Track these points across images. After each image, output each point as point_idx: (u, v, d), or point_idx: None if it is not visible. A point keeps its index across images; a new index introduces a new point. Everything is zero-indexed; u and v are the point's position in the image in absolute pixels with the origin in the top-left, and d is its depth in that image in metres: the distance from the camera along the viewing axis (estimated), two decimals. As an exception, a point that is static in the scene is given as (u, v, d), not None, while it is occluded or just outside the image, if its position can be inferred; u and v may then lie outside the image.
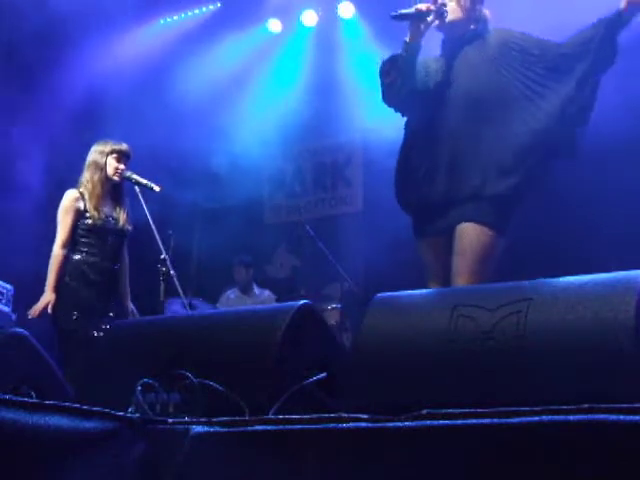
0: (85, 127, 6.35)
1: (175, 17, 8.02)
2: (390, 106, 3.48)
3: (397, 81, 3.32)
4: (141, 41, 7.49)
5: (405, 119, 3.53)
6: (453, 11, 3.33)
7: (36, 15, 6.23)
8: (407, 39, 3.31)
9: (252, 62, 7.78)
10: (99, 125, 6.24)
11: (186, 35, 7.83)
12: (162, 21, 7.96)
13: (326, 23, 7.81)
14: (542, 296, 1.98)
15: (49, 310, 4.26)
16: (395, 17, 3.26)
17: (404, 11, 3.27)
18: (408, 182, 3.40)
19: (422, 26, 3.27)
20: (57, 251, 4.38)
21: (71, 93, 6.84)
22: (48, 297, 4.29)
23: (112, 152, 4.53)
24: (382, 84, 3.40)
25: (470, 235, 3.15)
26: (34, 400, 1.62)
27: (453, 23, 3.34)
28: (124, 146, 4.60)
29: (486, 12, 3.42)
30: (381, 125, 6.89)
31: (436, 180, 3.27)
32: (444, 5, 3.32)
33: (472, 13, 3.36)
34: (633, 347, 1.74)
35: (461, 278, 3.08)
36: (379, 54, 7.28)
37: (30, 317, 4.28)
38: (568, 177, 5.49)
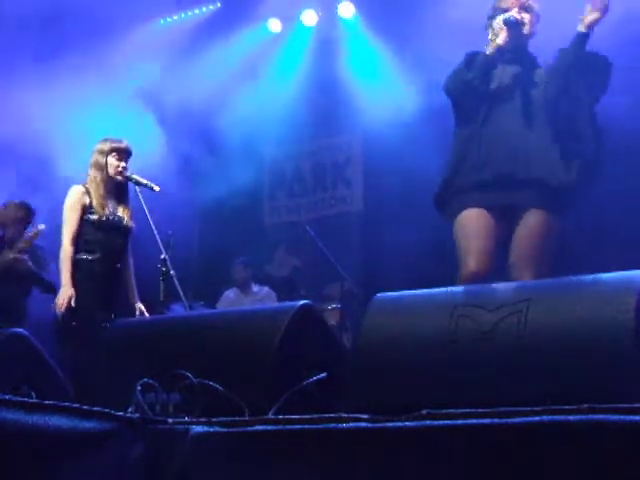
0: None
1: (175, 17, 8.01)
2: (456, 98, 3.59)
3: (476, 79, 3.47)
4: (141, 41, 7.48)
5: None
6: (529, 23, 3.51)
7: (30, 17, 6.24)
8: (500, 42, 3.46)
9: (252, 62, 7.77)
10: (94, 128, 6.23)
11: (186, 35, 7.82)
12: (162, 21, 7.96)
13: (326, 23, 7.80)
14: (542, 296, 1.98)
15: (72, 304, 4.24)
16: (513, 23, 3.44)
17: (514, 18, 3.46)
18: (464, 166, 3.49)
19: (516, 33, 3.46)
20: (67, 247, 4.35)
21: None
22: (68, 292, 4.26)
23: (112, 151, 4.53)
24: (460, 78, 3.52)
25: (539, 221, 3.32)
26: (34, 400, 1.62)
27: (527, 35, 3.54)
28: (123, 144, 4.59)
29: None
30: (381, 125, 6.91)
31: (500, 165, 3.39)
32: (523, 17, 3.51)
33: (535, 28, 3.55)
34: (633, 347, 1.75)
35: (527, 260, 3.24)
36: (379, 54, 7.36)
37: (57, 311, 4.24)
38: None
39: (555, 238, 3.37)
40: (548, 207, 3.33)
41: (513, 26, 3.44)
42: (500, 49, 3.47)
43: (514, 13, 3.45)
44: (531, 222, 3.33)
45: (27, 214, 5.66)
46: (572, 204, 3.44)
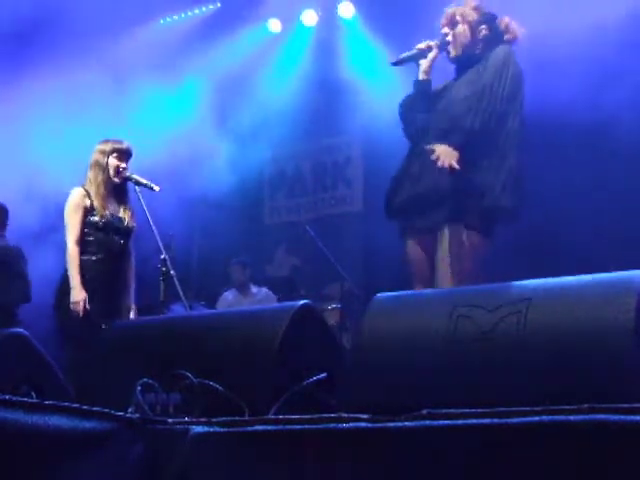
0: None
1: (175, 17, 8.01)
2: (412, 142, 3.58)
3: (416, 119, 3.47)
4: (141, 41, 7.48)
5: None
6: (459, 37, 3.38)
7: (32, 14, 6.25)
8: (418, 78, 3.44)
9: (252, 62, 7.78)
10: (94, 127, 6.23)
11: (186, 35, 7.83)
12: (162, 21, 7.96)
13: (326, 23, 7.81)
14: (542, 296, 1.98)
15: (87, 306, 4.24)
16: (397, 63, 3.44)
17: (404, 55, 3.42)
18: (402, 185, 3.47)
19: (427, 63, 3.41)
20: (72, 248, 4.35)
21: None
22: (81, 294, 4.26)
23: (113, 151, 4.52)
24: (403, 126, 3.57)
25: (457, 236, 3.21)
26: (34, 400, 1.62)
27: (463, 49, 3.40)
28: (125, 144, 4.58)
29: (504, 22, 3.43)
30: (381, 125, 6.90)
31: (426, 179, 3.33)
32: (446, 36, 3.41)
33: (477, 34, 3.40)
34: (633, 347, 1.75)
35: (448, 277, 3.15)
36: (379, 54, 7.36)
37: (79, 316, 4.23)
38: (567, 177, 5.50)
39: (471, 249, 3.21)
40: (455, 220, 3.22)
41: (405, 64, 3.45)
42: (422, 83, 3.42)
43: (419, 46, 3.41)
44: (444, 240, 3.25)
45: (1, 216, 5.67)
46: (470, 211, 3.24)
